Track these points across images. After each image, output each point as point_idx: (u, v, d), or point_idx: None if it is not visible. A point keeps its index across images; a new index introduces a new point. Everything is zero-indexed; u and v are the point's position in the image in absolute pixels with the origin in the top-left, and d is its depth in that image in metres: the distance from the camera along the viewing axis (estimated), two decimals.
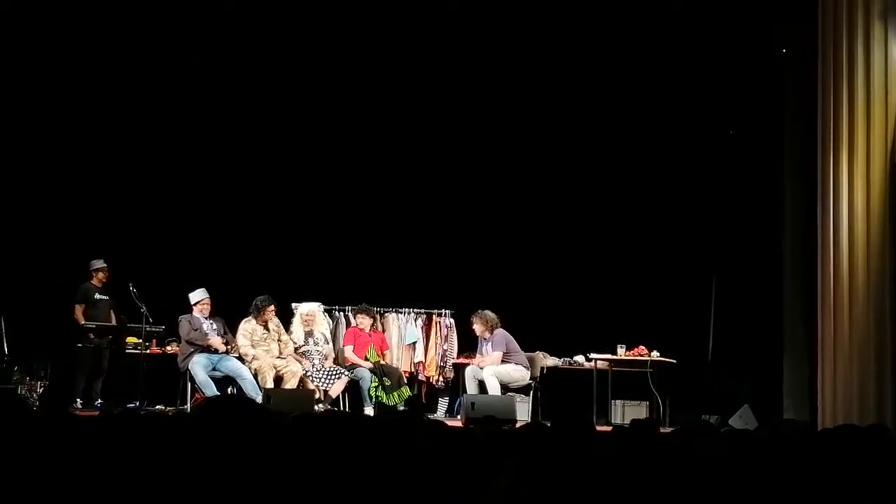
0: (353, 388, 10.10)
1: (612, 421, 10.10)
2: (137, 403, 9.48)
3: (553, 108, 11.34)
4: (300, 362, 9.96)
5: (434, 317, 11.14)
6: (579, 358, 10.85)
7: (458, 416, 9.93)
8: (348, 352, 10.38)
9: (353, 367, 10.20)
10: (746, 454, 3.51)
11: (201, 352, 9.66)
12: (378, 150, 11.49)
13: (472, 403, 9.16)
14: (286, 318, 10.37)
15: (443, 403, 11.09)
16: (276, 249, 11.15)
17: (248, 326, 9.92)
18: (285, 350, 10.03)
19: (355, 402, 10.11)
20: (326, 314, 10.71)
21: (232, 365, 9.70)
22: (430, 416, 9.31)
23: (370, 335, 10.53)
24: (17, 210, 10.59)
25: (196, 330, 9.76)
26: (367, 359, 10.29)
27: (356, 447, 2.89)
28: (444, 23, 10.70)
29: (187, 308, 9.92)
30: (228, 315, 10.14)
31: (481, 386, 10.06)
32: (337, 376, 9.95)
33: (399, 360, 10.90)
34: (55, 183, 10.80)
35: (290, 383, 9.74)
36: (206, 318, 9.89)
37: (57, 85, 10.68)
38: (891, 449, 3.83)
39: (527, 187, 11.53)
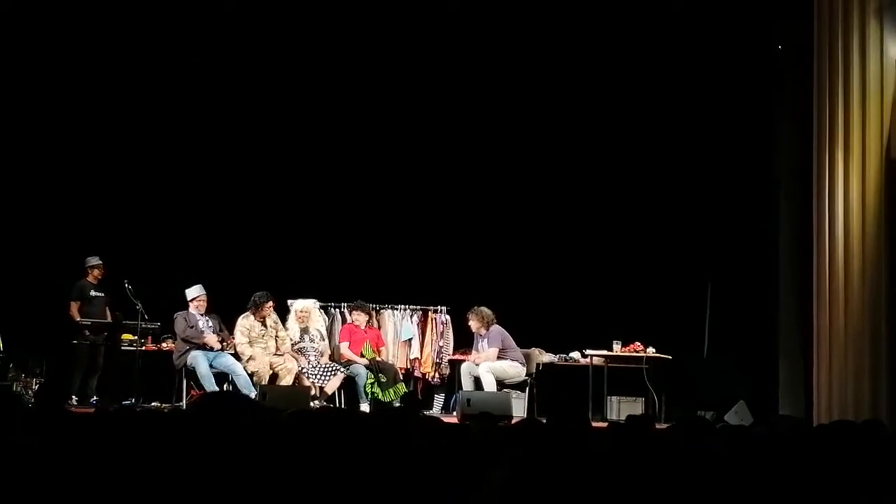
0: (349, 384, 10.11)
1: (608, 417, 10.13)
2: (133, 400, 9.49)
3: (550, 107, 11.35)
4: (297, 359, 9.96)
5: (430, 313, 11.14)
6: (575, 354, 10.86)
7: (454, 413, 9.92)
8: (344, 348, 10.38)
9: (348, 363, 10.20)
10: (742, 450, 3.52)
11: (197, 349, 9.67)
12: (374, 146, 11.49)
13: (468, 400, 9.16)
14: (283, 315, 10.37)
15: (438, 400, 11.10)
16: (273, 246, 11.15)
17: (246, 322, 9.92)
18: (282, 346, 10.03)
19: (351, 398, 10.11)
20: (322, 311, 10.71)
21: (226, 361, 9.70)
22: (426, 413, 9.31)
23: (366, 332, 10.53)
24: (12, 207, 10.58)
25: (192, 327, 9.76)
26: (363, 355, 10.29)
27: (352, 444, 2.89)
28: (443, 23, 10.70)
29: (183, 305, 9.91)
30: (225, 312, 10.14)
31: (477, 382, 10.07)
32: (333, 373, 9.95)
33: (395, 356, 10.90)
34: (50, 180, 10.79)
35: (286, 380, 9.74)
36: (201, 315, 9.90)
37: (53, 82, 10.67)
38: (886, 445, 3.84)
39: (523, 184, 11.53)
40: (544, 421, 4.33)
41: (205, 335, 9.74)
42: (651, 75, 10.95)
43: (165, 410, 8.04)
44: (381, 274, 11.19)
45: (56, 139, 10.83)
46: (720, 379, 10.47)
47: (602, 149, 11.38)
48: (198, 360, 9.57)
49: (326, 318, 10.77)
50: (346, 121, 11.43)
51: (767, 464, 3.23)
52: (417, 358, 11.03)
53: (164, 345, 10.44)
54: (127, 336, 10.32)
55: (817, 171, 8.64)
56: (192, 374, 9.67)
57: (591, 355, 10.51)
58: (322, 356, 10.18)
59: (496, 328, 10.24)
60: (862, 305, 8.26)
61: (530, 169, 11.52)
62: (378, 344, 10.57)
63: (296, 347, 10.13)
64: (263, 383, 9.56)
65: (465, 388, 10.01)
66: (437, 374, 11.05)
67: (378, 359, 10.37)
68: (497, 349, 10.14)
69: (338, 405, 9.94)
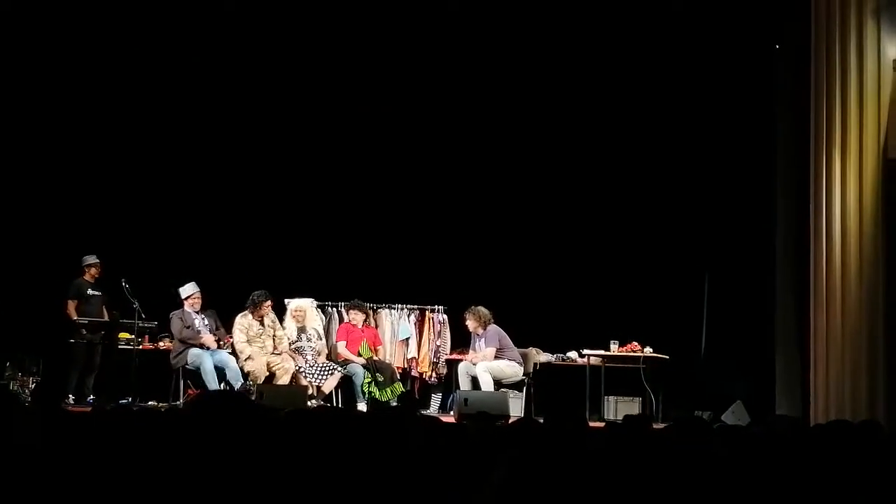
0: (346, 384, 10.11)
1: (605, 417, 10.12)
2: (130, 399, 9.47)
3: (547, 106, 11.34)
4: (294, 359, 9.95)
5: (427, 313, 11.14)
6: (572, 354, 10.86)
7: (451, 412, 9.92)
8: (341, 348, 10.37)
9: (345, 363, 10.19)
10: (739, 450, 3.51)
11: (196, 348, 9.66)
12: (372, 146, 11.48)
13: (465, 399, 9.16)
14: (280, 314, 10.36)
15: (436, 399, 11.10)
16: (270, 245, 11.14)
17: (244, 321, 9.91)
18: (280, 346, 10.02)
19: (348, 398, 10.11)
20: (319, 310, 10.70)
21: (221, 357, 9.72)
22: (423, 412, 9.30)
23: (363, 331, 10.53)
24: (9, 206, 10.55)
25: (188, 327, 9.76)
26: (360, 355, 10.29)
27: (349, 443, 2.89)
28: (443, 23, 10.69)
29: (179, 303, 9.91)
30: (222, 311, 10.14)
31: (474, 382, 10.07)
32: (330, 372, 9.95)
33: (392, 355, 10.90)
34: (47, 179, 10.77)
35: (283, 380, 9.74)
36: (197, 313, 9.89)
37: (50, 82, 10.64)
38: (883, 445, 3.84)
39: (520, 184, 11.53)
40: (541, 421, 4.33)
41: (201, 335, 9.74)
42: (650, 74, 10.94)
43: (162, 409, 8.05)
44: (378, 273, 11.18)
45: (53, 138, 10.80)
46: (717, 379, 10.48)
47: (599, 150, 11.37)
48: (202, 358, 9.58)
49: (323, 318, 10.76)
50: (344, 120, 11.42)
51: (765, 464, 3.23)
52: (415, 357, 11.03)
53: (161, 344, 10.43)
54: (124, 335, 10.30)
55: (815, 171, 8.65)
56: (189, 373, 9.68)
57: (589, 355, 10.51)
58: (319, 355, 10.17)
59: (493, 328, 10.24)
60: (859, 305, 8.27)
61: (528, 168, 11.51)
62: (375, 343, 10.57)
63: (293, 347, 10.13)
64: (260, 382, 9.56)
65: (462, 388, 10.01)
66: (434, 374, 11.05)
67: (375, 358, 10.37)
68: (494, 349, 10.14)
69: (335, 404, 9.93)
